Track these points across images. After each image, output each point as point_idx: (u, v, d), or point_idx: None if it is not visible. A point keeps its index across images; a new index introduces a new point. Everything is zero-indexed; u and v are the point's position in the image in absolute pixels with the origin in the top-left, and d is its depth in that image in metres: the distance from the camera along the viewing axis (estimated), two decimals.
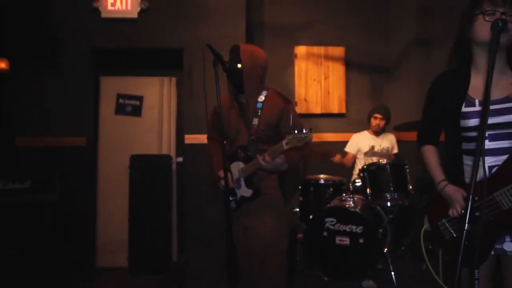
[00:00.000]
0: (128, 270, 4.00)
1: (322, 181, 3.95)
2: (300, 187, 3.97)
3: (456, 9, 4.00)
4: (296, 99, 4.66)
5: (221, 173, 2.42)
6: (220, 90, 2.15)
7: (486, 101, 1.48)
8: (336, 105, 4.72)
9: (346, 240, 3.41)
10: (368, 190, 3.55)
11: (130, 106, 4.35)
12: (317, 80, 4.67)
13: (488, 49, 1.65)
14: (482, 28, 1.64)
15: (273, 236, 2.45)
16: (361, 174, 3.65)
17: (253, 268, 2.42)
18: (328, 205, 3.55)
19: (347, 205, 3.49)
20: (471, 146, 1.74)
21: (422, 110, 1.97)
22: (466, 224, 1.45)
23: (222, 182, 2.36)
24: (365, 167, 3.61)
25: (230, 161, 2.50)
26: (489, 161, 1.69)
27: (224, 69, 2.29)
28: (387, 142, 4.25)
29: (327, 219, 3.47)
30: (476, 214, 1.59)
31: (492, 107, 1.66)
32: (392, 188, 3.48)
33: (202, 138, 3.52)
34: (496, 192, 1.63)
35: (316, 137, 4.73)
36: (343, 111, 4.77)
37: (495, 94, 1.67)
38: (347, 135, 4.44)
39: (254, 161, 2.31)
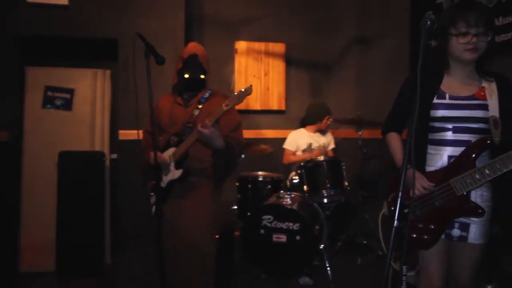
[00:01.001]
0: (56, 274, 3.74)
1: (260, 178, 3.93)
2: (237, 184, 3.94)
3: (393, 10, 4.14)
4: None
5: (151, 156, 2.35)
6: (154, 84, 2.07)
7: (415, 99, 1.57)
8: (275, 101, 4.72)
9: (283, 238, 3.40)
10: (305, 187, 3.57)
11: (60, 99, 4.06)
12: (257, 76, 4.64)
13: (463, 63, 1.92)
14: (457, 48, 1.85)
15: (202, 239, 2.44)
16: (299, 171, 3.66)
17: (181, 270, 2.39)
18: (265, 202, 3.53)
19: (284, 202, 3.48)
20: (435, 136, 1.94)
21: (393, 102, 2.15)
22: (395, 222, 1.53)
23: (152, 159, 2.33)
24: (302, 164, 3.63)
25: (163, 152, 2.49)
26: (450, 151, 1.90)
27: (157, 62, 2.20)
28: (324, 139, 4.31)
29: (264, 217, 3.44)
30: (405, 211, 1.69)
31: (459, 101, 1.88)
32: (328, 185, 3.52)
33: (138, 134, 3.36)
34: (452, 178, 1.83)
35: (255, 134, 4.71)
36: (283, 107, 4.78)
37: (464, 92, 1.90)
38: (286, 132, 4.44)
39: (191, 135, 2.30)
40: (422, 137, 1.96)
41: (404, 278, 1.55)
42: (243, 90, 2.19)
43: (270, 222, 3.44)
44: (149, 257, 3.52)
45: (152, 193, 2.57)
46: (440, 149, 1.93)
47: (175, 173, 2.44)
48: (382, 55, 4.43)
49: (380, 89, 4.35)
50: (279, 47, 4.71)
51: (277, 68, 4.68)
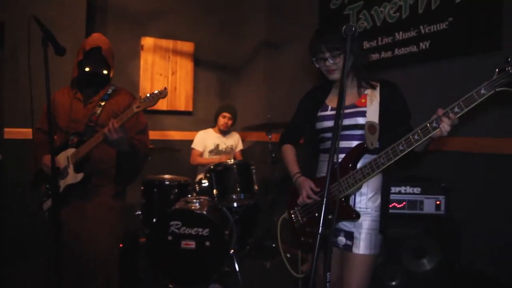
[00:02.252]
0: None
1: (167, 182, 3.75)
2: (142, 188, 3.71)
3: (302, 14, 4.24)
4: (141, 94, 4.35)
5: (47, 159, 2.18)
6: (53, 76, 1.82)
7: (339, 108, 1.59)
8: (183, 102, 4.56)
9: (192, 244, 3.26)
10: (214, 191, 3.48)
11: None
12: (164, 75, 4.44)
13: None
14: (322, 69, 1.96)
15: (105, 245, 2.28)
16: (208, 174, 3.56)
17: (81, 279, 2.20)
18: (173, 208, 3.36)
19: (193, 207, 3.35)
20: (325, 145, 2.02)
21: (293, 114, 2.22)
22: (320, 228, 1.53)
23: (46, 168, 2.20)
24: (212, 167, 3.53)
25: (58, 153, 2.22)
26: (341, 158, 1.89)
27: (57, 52, 1.94)
28: (232, 140, 4.28)
29: (172, 223, 3.27)
30: (329, 217, 1.67)
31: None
32: (238, 189, 3.47)
33: (27, 133, 2.97)
34: (333, 184, 1.80)
35: (161, 135, 4.51)
36: (190, 108, 4.64)
37: (346, 102, 1.91)
38: (193, 134, 4.31)
39: (96, 136, 2.12)
40: (314, 147, 2.08)
41: (328, 285, 1.55)
42: (157, 92, 2.07)
43: (178, 228, 3.28)
44: (39, 268, 3.14)
45: (46, 198, 2.29)
46: (327, 157, 1.96)
47: (75, 177, 2.20)
48: (291, 58, 4.52)
49: (289, 92, 4.43)
50: (188, 46, 4.56)
51: (185, 68, 4.54)
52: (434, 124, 1.59)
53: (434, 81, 2.88)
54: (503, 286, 2.52)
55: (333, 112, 1.96)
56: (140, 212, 3.71)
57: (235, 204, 3.53)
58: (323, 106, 2.02)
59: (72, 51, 3.33)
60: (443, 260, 2.44)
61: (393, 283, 2.50)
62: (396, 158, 1.67)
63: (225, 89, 4.89)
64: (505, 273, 2.52)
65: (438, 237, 2.48)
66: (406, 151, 1.65)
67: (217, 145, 4.20)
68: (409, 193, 2.54)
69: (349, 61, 1.77)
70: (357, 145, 1.86)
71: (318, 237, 1.50)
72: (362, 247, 1.86)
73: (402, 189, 2.55)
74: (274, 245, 3.45)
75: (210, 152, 4.18)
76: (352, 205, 1.89)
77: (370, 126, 1.84)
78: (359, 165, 1.84)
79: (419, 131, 1.61)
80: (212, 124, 4.25)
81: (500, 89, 1.49)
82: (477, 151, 2.66)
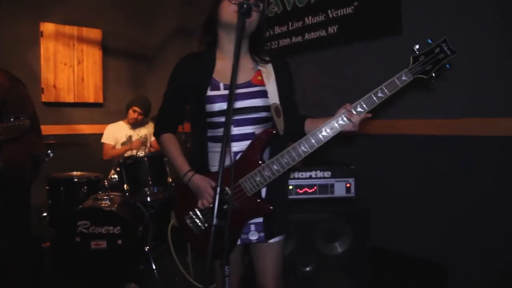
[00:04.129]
0: None
1: (75, 179, 3.48)
2: (47, 188, 3.41)
3: None
4: (43, 85, 4.00)
5: None
6: None
7: (232, 87, 1.34)
8: (92, 93, 4.26)
9: (103, 244, 3.05)
10: (125, 185, 3.28)
11: None
12: (69, 64, 4.11)
13: (234, 33, 1.52)
14: (228, 10, 1.57)
15: None
16: (118, 169, 3.34)
17: None
18: (80, 207, 3.12)
19: (103, 204, 3.13)
20: (216, 132, 1.65)
21: (163, 95, 1.79)
22: (215, 219, 1.35)
23: None
24: (121, 161, 3.32)
25: None
26: (235, 147, 1.64)
27: None
28: (145, 130, 4.08)
29: (79, 222, 3.02)
30: (224, 207, 1.52)
31: (237, 91, 1.61)
32: (151, 182, 3.29)
33: None
34: (241, 178, 1.59)
35: (69, 129, 4.19)
36: (100, 100, 4.35)
37: (239, 79, 1.62)
38: (105, 127, 4.05)
39: None
40: (201, 134, 1.69)
41: (227, 280, 1.42)
42: (21, 119, 1.75)
43: (87, 228, 3.04)
44: None
45: None
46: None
47: None
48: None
49: None
50: (95, 33, 4.26)
51: (92, 57, 4.23)
52: (341, 121, 1.54)
53: (343, 65, 2.91)
54: (411, 260, 2.63)
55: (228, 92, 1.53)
56: (46, 214, 3.42)
57: (148, 199, 3.35)
58: (212, 83, 1.64)
59: None
60: (355, 242, 2.47)
61: (307, 268, 2.49)
62: (319, 145, 1.53)
63: (138, 79, 4.65)
64: (413, 248, 2.63)
65: (349, 219, 2.50)
66: (330, 137, 1.53)
67: (130, 136, 3.98)
68: (320, 177, 2.54)
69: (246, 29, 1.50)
70: (265, 132, 1.60)
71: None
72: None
73: (313, 173, 2.54)
74: None
75: (123, 144, 3.95)
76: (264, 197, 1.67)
77: (275, 108, 1.62)
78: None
79: (326, 127, 1.54)
80: (125, 115, 4.02)
81: (417, 76, 1.51)
82: (383, 132, 2.73)
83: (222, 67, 1.66)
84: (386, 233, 2.74)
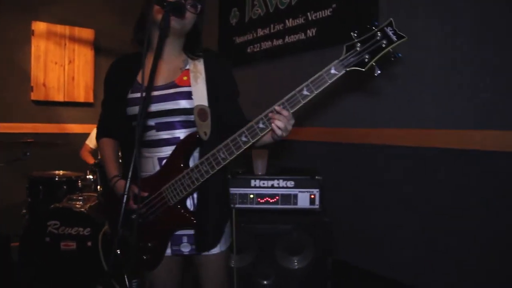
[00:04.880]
0: None
1: (56, 178, 3.46)
2: (27, 186, 3.41)
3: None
4: (33, 84, 4.01)
5: None
6: None
7: (149, 89, 1.29)
8: (82, 93, 4.25)
9: (72, 245, 3.01)
10: (99, 187, 3.24)
11: None
12: (60, 63, 4.10)
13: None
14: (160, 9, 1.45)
15: None
16: (95, 169, 3.31)
17: None
18: (52, 206, 3.09)
19: (76, 205, 3.09)
20: (146, 137, 1.55)
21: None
22: (120, 229, 1.26)
23: None
24: (97, 161, 3.28)
25: None
26: (162, 152, 1.54)
27: None
28: None
29: (50, 222, 2.99)
30: (132, 216, 1.44)
31: (156, 93, 1.51)
32: None
33: None
34: (164, 186, 1.50)
35: (59, 128, 4.19)
36: (91, 100, 4.33)
37: (162, 80, 1.54)
38: (95, 127, 4.03)
39: None
40: (127, 139, 1.57)
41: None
42: None
43: (57, 228, 3.01)
44: None
45: None
46: (150, 151, 1.56)
47: None
48: None
49: None
50: (87, 33, 4.25)
51: (84, 56, 4.22)
52: (261, 125, 1.36)
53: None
54: (378, 278, 2.47)
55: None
56: (25, 211, 3.42)
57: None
58: (134, 85, 1.56)
59: None
60: (318, 256, 2.33)
61: (266, 282, 2.36)
62: (239, 152, 1.40)
63: None
64: (380, 266, 2.46)
65: (312, 232, 2.37)
66: (251, 143, 1.38)
67: None
68: (283, 187, 2.41)
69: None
70: (188, 136, 1.51)
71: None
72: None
73: (275, 182, 2.41)
74: None
75: None
76: (189, 208, 1.57)
77: (200, 110, 1.49)
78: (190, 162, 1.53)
79: (246, 131, 1.37)
80: None
81: (350, 69, 1.30)
82: (345, 141, 2.58)
83: (147, 69, 1.51)
84: (352, 248, 2.58)
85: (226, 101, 1.59)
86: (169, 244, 1.59)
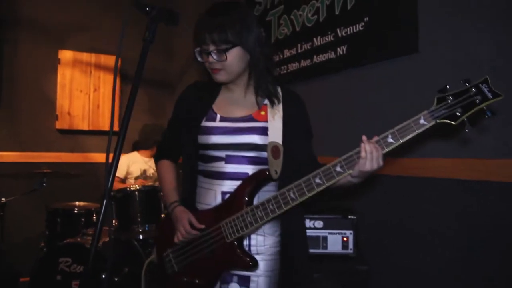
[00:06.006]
0: None
1: (74, 210, 3.29)
2: (46, 217, 3.26)
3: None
4: (58, 112, 3.93)
5: None
6: None
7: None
8: (107, 121, 4.14)
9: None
10: (114, 221, 3.02)
11: None
12: (85, 91, 4.02)
13: None
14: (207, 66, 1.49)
15: None
16: (112, 202, 3.10)
17: None
18: (65, 242, 2.90)
19: (89, 241, 2.89)
20: (208, 167, 1.55)
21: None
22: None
23: None
24: (112, 194, 3.08)
25: None
26: (226, 186, 1.51)
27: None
28: None
29: (61, 259, 2.80)
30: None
31: (232, 124, 1.51)
32: (139, 219, 3.00)
33: None
34: (223, 221, 1.46)
35: (83, 158, 4.08)
36: (116, 128, 4.21)
37: (238, 112, 1.53)
38: (121, 155, 3.88)
39: None
40: (192, 167, 1.59)
41: None
42: None
43: (69, 266, 2.81)
44: None
45: None
46: (214, 183, 1.53)
47: None
48: None
49: None
50: (112, 60, 4.17)
51: (109, 84, 4.12)
52: (338, 169, 1.31)
53: (353, 90, 2.46)
54: None
55: (224, 124, 1.51)
56: (43, 245, 3.27)
57: (141, 237, 3.05)
58: (208, 113, 1.54)
59: None
60: None
61: None
62: (312, 194, 1.33)
63: (159, 106, 4.47)
64: None
65: (345, 282, 2.00)
66: (325, 186, 1.32)
67: (145, 170, 3.75)
68: (309, 228, 2.08)
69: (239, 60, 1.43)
70: (258, 172, 1.45)
71: None
72: None
73: None
74: None
75: (137, 178, 3.72)
76: (248, 248, 1.49)
77: (273, 148, 1.45)
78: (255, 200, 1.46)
79: (321, 173, 1.33)
80: (141, 146, 3.81)
81: (441, 121, 1.25)
82: (388, 173, 2.19)
83: (224, 99, 1.58)
84: None
85: (301, 141, 1.55)
86: (218, 282, 1.53)
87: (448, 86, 1.24)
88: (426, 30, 2.05)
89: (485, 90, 1.20)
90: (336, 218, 2.07)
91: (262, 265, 1.47)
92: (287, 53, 2.92)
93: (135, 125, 4.19)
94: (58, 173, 3.31)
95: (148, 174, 3.76)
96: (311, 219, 2.08)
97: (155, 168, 3.68)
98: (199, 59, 1.46)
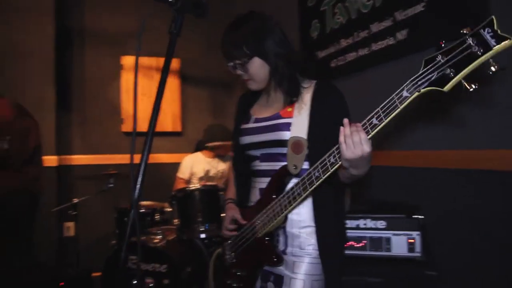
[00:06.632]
0: None
1: (141, 210, 3.40)
2: (115, 217, 3.41)
3: (283, 18, 3.81)
4: (123, 116, 4.10)
5: None
6: None
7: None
8: (170, 122, 4.23)
9: (151, 282, 2.87)
10: (175, 220, 3.08)
11: None
12: (147, 94, 4.14)
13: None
14: None
15: None
16: (173, 202, 3.16)
17: None
18: (130, 240, 2.99)
19: (154, 239, 2.97)
20: (251, 166, 1.66)
21: None
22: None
23: None
24: (173, 193, 3.13)
25: None
26: (262, 183, 1.58)
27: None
28: (224, 165, 3.82)
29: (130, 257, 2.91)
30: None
31: (262, 123, 1.59)
32: (200, 219, 3.01)
33: None
34: (255, 217, 1.54)
35: (149, 158, 4.20)
36: (179, 129, 4.30)
37: (268, 112, 1.60)
38: (184, 156, 3.95)
39: None
40: (244, 167, 1.71)
41: None
42: None
43: (135, 264, 2.90)
44: None
45: None
46: (255, 181, 1.64)
47: None
48: None
49: None
50: (173, 63, 4.25)
51: (170, 86, 4.21)
52: (332, 159, 1.27)
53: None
54: None
55: (256, 124, 1.61)
56: (114, 242, 3.42)
57: (202, 235, 3.07)
58: (247, 117, 1.69)
59: (40, 77, 3.19)
60: None
61: None
62: (312, 188, 1.33)
63: (218, 106, 4.49)
64: None
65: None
66: (338, 164, 1.26)
67: (208, 171, 3.78)
68: (371, 228, 1.93)
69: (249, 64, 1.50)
70: (281, 168, 1.50)
71: None
72: None
73: (361, 222, 1.95)
74: None
75: (201, 179, 3.77)
76: (283, 249, 1.52)
77: (294, 143, 1.46)
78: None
79: (319, 165, 1.32)
80: (205, 146, 3.85)
81: (425, 89, 1.05)
82: (465, 166, 1.97)
83: (260, 102, 1.69)
84: None
85: (331, 134, 1.40)
86: (259, 278, 1.60)
87: (443, 43, 1.00)
88: (499, 6, 1.82)
89: (488, 36, 0.92)
90: (401, 218, 1.90)
91: (301, 267, 1.46)
92: (343, 42, 2.77)
93: (197, 125, 4.26)
94: (124, 174, 3.44)
95: (211, 174, 3.78)
96: (372, 218, 1.94)
97: (218, 168, 3.72)
98: (233, 72, 1.58)
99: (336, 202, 1.50)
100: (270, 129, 1.55)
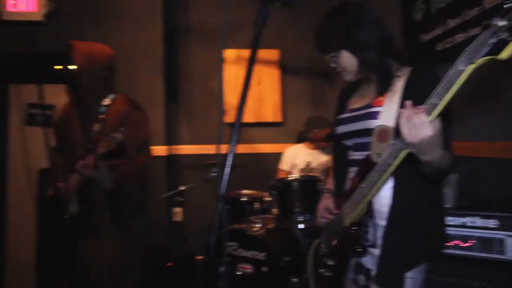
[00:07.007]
0: None
1: (244, 198, 3.53)
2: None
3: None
4: (226, 107, 4.25)
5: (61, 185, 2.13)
6: None
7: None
8: (270, 113, 4.30)
9: (249, 268, 2.97)
10: (274, 210, 3.12)
11: (41, 116, 4.00)
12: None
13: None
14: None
15: (111, 268, 2.15)
16: (272, 192, 3.21)
17: None
18: (231, 227, 3.13)
19: (254, 227, 3.06)
20: (349, 156, 1.67)
21: None
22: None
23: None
24: (272, 183, 3.18)
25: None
26: (354, 172, 1.57)
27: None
28: (325, 156, 3.78)
29: (229, 243, 3.05)
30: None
31: (355, 113, 1.59)
32: (299, 209, 3.02)
33: None
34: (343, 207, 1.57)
35: (250, 149, 4.33)
36: (279, 119, 4.35)
37: (361, 102, 1.59)
38: (284, 146, 4.00)
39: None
40: (342, 157, 1.72)
41: None
42: (114, 134, 1.94)
43: (235, 250, 3.04)
44: None
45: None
46: (351, 170, 1.64)
47: (74, 207, 2.13)
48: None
49: None
50: (273, 54, 4.30)
51: (270, 77, 4.27)
52: (400, 145, 1.26)
53: None
54: None
55: (349, 114, 1.62)
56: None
57: (301, 226, 3.07)
58: (343, 108, 1.71)
59: (149, 74, 3.44)
60: None
61: None
62: (398, 160, 1.29)
63: (318, 96, 4.44)
64: None
65: None
66: (404, 149, 1.27)
67: (309, 163, 3.77)
68: (481, 227, 1.76)
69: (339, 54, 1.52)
70: (365, 157, 1.48)
71: None
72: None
73: (469, 220, 1.79)
74: None
75: (302, 171, 3.77)
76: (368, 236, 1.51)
77: (380, 131, 1.43)
78: None
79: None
80: (306, 138, 3.85)
81: (480, 59, 0.94)
82: None
83: (358, 93, 1.68)
84: None
85: None
86: (353, 269, 1.61)
87: (506, 4, 0.85)
88: None
89: None
90: None
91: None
92: (451, 23, 2.53)
93: (298, 115, 4.27)
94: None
95: (312, 166, 3.76)
96: (482, 216, 1.76)
97: (319, 160, 3.69)
98: (328, 64, 1.61)
99: (422, 194, 1.43)
100: (360, 118, 1.55)
